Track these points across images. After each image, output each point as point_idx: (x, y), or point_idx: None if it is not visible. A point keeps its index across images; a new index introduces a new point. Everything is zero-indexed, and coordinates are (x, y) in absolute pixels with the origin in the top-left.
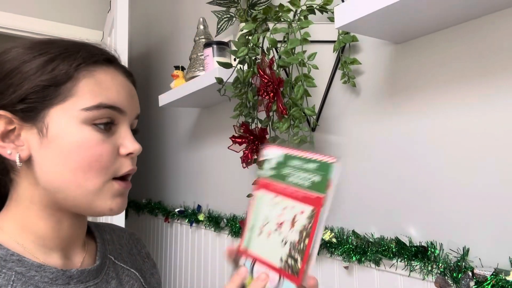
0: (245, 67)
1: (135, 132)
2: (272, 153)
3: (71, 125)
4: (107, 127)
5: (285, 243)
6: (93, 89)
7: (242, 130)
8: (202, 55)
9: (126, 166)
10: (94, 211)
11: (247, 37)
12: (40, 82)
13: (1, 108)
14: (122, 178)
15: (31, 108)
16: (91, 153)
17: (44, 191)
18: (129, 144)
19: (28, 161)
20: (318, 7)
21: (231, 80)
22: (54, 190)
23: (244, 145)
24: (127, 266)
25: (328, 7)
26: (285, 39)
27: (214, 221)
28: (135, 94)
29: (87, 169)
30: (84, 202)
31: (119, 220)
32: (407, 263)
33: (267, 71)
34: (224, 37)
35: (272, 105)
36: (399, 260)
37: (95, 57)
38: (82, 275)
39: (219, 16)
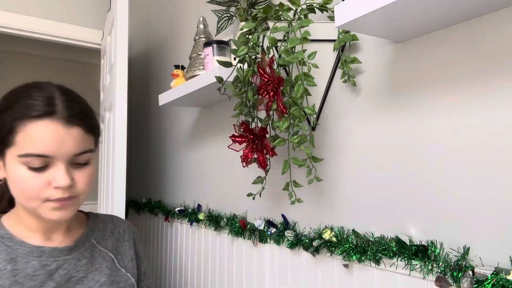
0: (245, 66)
1: (85, 164)
2: None
3: (14, 164)
4: (39, 167)
5: None
6: (25, 140)
7: (242, 129)
8: (202, 54)
9: (56, 195)
10: (43, 218)
11: (247, 36)
12: (0, 131)
13: None
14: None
15: (0, 148)
16: (24, 186)
17: None
18: (58, 180)
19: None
20: (318, 6)
21: (231, 79)
22: (18, 202)
23: (244, 144)
24: (106, 250)
25: (328, 6)
26: (285, 38)
27: (214, 221)
28: (70, 138)
29: (23, 195)
30: (34, 213)
31: None
32: (407, 262)
33: (267, 70)
34: (224, 36)
35: (272, 104)
36: (399, 259)
37: (28, 112)
38: (53, 251)
39: (219, 15)
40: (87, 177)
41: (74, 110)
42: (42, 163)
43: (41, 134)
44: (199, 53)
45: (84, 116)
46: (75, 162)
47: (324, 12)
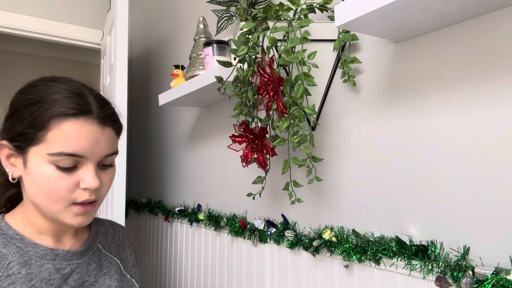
0: (245, 66)
1: (110, 165)
2: None
3: (40, 163)
4: (69, 168)
5: None
6: (58, 138)
7: (242, 129)
8: (202, 54)
9: (83, 196)
10: (61, 222)
11: (247, 36)
12: (25, 127)
13: (6, 139)
14: (83, 202)
15: (19, 145)
16: (51, 187)
17: (30, 200)
18: (88, 181)
19: (21, 178)
20: (318, 5)
21: (231, 79)
22: (33, 203)
23: (244, 144)
24: (111, 255)
25: (328, 5)
26: (285, 38)
27: (214, 220)
28: (103, 138)
29: (49, 197)
30: (53, 217)
31: (120, 219)
32: (407, 262)
33: (267, 70)
34: (224, 36)
35: (272, 104)
36: (399, 259)
37: (65, 110)
38: (67, 255)
39: (219, 15)
40: (111, 179)
41: (107, 111)
42: (73, 163)
43: (77, 133)
44: (199, 53)
45: (116, 117)
46: (102, 164)
47: (324, 12)
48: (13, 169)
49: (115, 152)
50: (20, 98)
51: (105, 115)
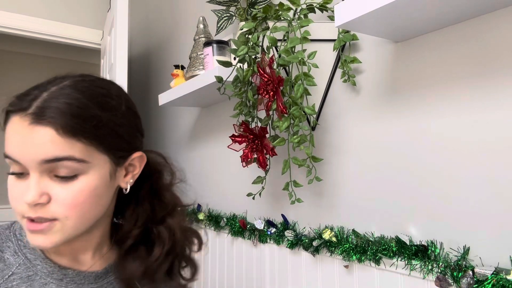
0: (245, 66)
1: (67, 177)
2: None
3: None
4: (19, 173)
5: None
6: (5, 139)
7: (242, 129)
8: (202, 54)
9: (26, 212)
10: None
11: (247, 36)
12: None
13: None
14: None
15: None
16: (9, 194)
17: None
18: (24, 192)
19: None
20: (318, 5)
21: (231, 79)
22: None
23: (244, 144)
24: (138, 284)
25: (328, 5)
26: (285, 38)
27: (214, 220)
28: (33, 139)
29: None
30: None
31: None
32: (407, 262)
33: (267, 70)
34: (224, 36)
35: (272, 104)
36: (399, 259)
37: (7, 106)
38: (77, 277)
39: (219, 15)
40: (71, 195)
41: (52, 105)
42: (19, 169)
43: (9, 133)
44: (199, 53)
45: (67, 114)
46: (56, 174)
47: (324, 12)
48: None
49: (66, 158)
50: None
51: (43, 110)
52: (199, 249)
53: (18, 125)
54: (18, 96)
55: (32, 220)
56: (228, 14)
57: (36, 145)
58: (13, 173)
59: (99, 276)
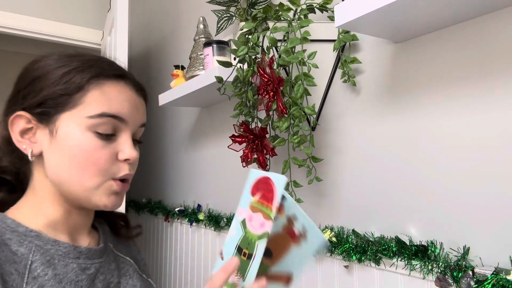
0: (245, 66)
1: (138, 142)
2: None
3: (76, 130)
4: (108, 135)
5: None
6: (99, 99)
7: (242, 129)
8: (202, 54)
9: (123, 170)
10: (91, 205)
11: (247, 36)
12: (56, 91)
13: (23, 110)
14: (121, 179)
15: (46, 112)
16: (90, 157)
17: (52, 183)
18: (127, 151)
19: (40, 156)
20: (318, 6)
21: (231, 79)
22: (59, 184)
23: (244, 144)
24: (122, 255)
25: (328, 6)
26: (285, 38)
27: (214, 221)
28: (141, 106)
29: (86, 169)
30: (83, 197)
31: None
32: (407, 262)
33: (267, 70)
34: (224, 36)
35: (272, 104)
36: (399, 259)
37: (106, 72)
38: (89, 253)
39: (219, 15)
40: (138, 156)
41: (138, 81)
42: (112, 130)
43: (119, 95)
44: (199, 53)
45: (145, 90)
46: (134, 138)
47: (324, 12)
48: (32, 145)
49: (145, 124)
50: (44, 63)
51: (139, 83)
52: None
53: (129, 90)
54: (111, 63)
55: (122, 180)
56: (228, 15)
57: (140, 111)
58: (103, 134)
59: (102, 251)
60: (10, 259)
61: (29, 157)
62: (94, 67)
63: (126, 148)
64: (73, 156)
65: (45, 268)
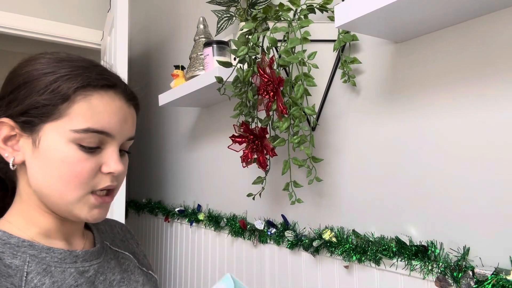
0: (245, 66)
1: (127, 152)
2: None
3: (59, 141)
4: (92, 148)
5: None
6: (85, 113)
7: (242, 130)
8: (202, 54)
9: (104, 182)
10: (74, 217)
11: (247, 36)
12: (40, 100)
13: (7, 116)
14: (102, 192)
15: (29, 121)
16: (72, 169)
17: (35, 192)
18: (112, 164)
19: (23, 165)
20: (318, 6)
21: (231, 79)
22: (41, 195)
23: (244, 144)
24: (121, 250)
25: (328, 6)
26: (285, 38)
27: (214, 221)
28: (130, 118)
29: (67, 182)
30: (64, 210)
31: (119, 220)
32: (407, 263)
33: (267, 70)
34: (224, 37)
35: (272, 104)
36: (399, 259)
37: (94, 82)
38: (86, 255)
39: (219, 15)
40: (126, 168)
41: (130, 89)
42: (98, 143)
43: (107, 108)
44: (199, 53)
45: (137, 98)
46: (121, 148)
47: (324, 12)
48: (15, 153)
49: (134, 137)
50: (31, 68)
51: (131, 92)
52: None
53: (118, 101)
54: (101, 72)
55: (105, 194)
56: (228, 15)
57: (129, 123)
58: (87, 147)
59: (99, 251)
60: (5, 273)
61: (10, 165)
62: (82, 75)
63: (111, 161)
64: (55, 168)
65: (41, 277)
